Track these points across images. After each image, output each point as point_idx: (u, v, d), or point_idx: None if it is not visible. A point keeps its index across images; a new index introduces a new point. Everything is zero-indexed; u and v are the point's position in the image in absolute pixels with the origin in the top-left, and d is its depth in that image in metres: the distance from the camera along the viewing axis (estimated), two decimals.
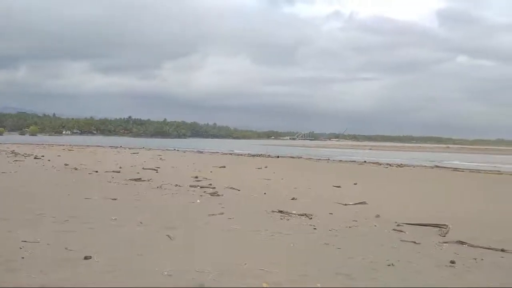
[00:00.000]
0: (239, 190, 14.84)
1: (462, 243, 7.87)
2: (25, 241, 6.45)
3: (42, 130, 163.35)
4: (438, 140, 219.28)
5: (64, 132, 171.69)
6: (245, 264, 5.89)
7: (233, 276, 5.39)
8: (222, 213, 9.95)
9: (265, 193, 14.47)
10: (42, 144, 58.05)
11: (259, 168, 26.84)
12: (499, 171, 32.97)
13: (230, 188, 15.24)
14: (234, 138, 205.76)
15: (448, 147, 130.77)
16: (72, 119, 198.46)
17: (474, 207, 13.42)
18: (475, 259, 6.81)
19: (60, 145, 58.78)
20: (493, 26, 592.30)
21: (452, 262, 6.48)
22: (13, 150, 36.71)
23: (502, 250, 7.39)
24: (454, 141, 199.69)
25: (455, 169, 34.04)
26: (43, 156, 30.41)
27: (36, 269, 5.28)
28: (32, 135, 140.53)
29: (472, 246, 7.69)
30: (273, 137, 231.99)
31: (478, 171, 32.88)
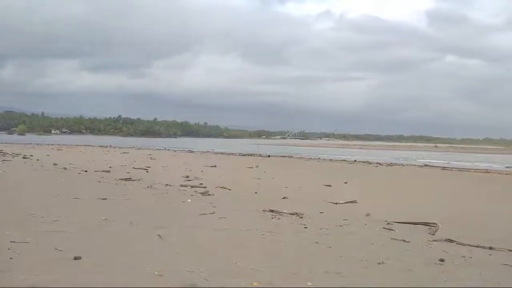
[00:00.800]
0: (230, 190, 14.83)
1: (451, 241, 7.96)
2: (13, 242, 6.37)
3: (31, 130, 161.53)
4: (428, 140, 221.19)
5: (53, 132, 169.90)
6: (237, 263, 5.89)
7: (224, 275, 5.38)
8: (213, 213, 9.93)
9: (256, 193, 14.48)
10: (31, 144, 57.47)
11: (250, 168, 26.86)
12: (487, 170, 33.38)
13: (221, 187, 15.22)
14: (225, 137, 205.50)
15: (436, 146, 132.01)
16: (61, 118, 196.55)
17: (463, 205, 13.58)
18: (464, 257, 6.89)
19: (49, 144, 58.18)
20: (482, 26, 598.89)
21: (442, 260, 6.55)
22: (1, 150, 36.13)
23: (490, 248, 7.49)
24: (443, 141, 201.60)
25: (444, 168, 34.41)
26: (31, 155, 30.06)
27: (25, 269, 5.21)
28: (21, 134, 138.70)
29: (461, 244, 7.77)
30: (264, 136, 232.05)
31: (467, 170, 33.26)
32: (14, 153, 32.35)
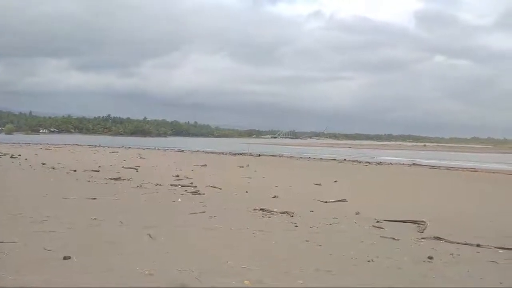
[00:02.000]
0: (220, 189, 14.82)
1: (439, 239, 8.04)
2: (1, 242, 6.30)
3: (18, 129, 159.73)
4: (416, 139, 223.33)
5: (41, 131, 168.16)
6: (227, 262, 5.90)
7: (215, 274, 5.39)
8: (204, 212, 9.92)
9: (246, 192, 14.48)
10: (19, 143, 56.80)
11: (240, 167, 26.84)
12: (474, 168, 33.75)
13: (212, 186, 15.20)
14: (215, 136, 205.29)
15: (425, 146, 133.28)
16: (50, 117, 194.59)
17: (451, 204, 13.73)
18: (452, 254, 6.97)
19: (37, 144, 57.56)
20: (470, 27, 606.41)
21: (430, 257, 6.62)
22: None
23: (478, 245, 7.59)
24: (431, 140, 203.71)
25: (432, 167, 34.74)
26: (19, 155, 29.71)
27: (13, 270, 5.16)
28: (8, 134, 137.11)
29: (449, 241, 7.86)
30: (254, 135, 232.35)
31: (454, 168, 33.63)
32: (1, 153, 31.93)
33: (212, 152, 52.58)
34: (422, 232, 8.70)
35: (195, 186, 14.93)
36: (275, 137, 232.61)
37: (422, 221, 9.51)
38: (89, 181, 15.68)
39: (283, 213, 10.25)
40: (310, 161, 40.48)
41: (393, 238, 8.01)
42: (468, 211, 12.27)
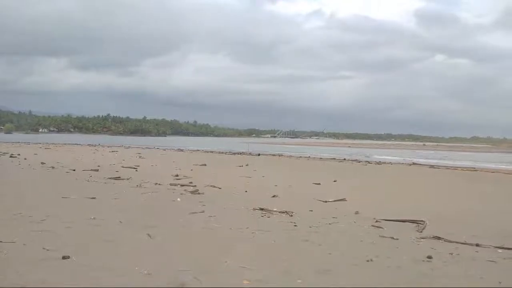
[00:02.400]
0: (220, 188, 14.81)
1: (438, 238, 8.04)
2: (0, 242, 6.30)
3: (18, 128, 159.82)
4: (416, 138, 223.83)
5: (40, 130, 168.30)
6: (226, 262, 5.89)
7: (214, 274, 5.38)
8: (203, 211, 9.92)
9: (246, 191, 14.48)
10: (18, 142, 56.78)
11: (240, 166, 26.83)
12: (474, 168, 33.76)
13: (211, 186, 15.19)
14: (215, 136, 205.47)
15: (424, 145, 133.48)
16: (49, 116, 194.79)
17: (450, 203, 13.72)
18: (451, 253, 6.96)
19: (37, 143, 57.54)
20: (470, 26, 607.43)
21: (429, 257, 6.62)
22: None
23: (477, 245, 7.59)
24: (431, 139, 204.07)
25: (432, 166, 34.73)
26: (19, 154, 29.73)
27: (12, 270, 5.16)
28: (7, 133, 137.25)
29: (448, 241, 7.86)
30: (254, 135, 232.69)
31: (454, 168, 33.63)
32: (1, 152, 31.95)
33: (211, 152, 52.59)
34: (422, 232, 8.70)
35: (195, 186, 14.93)
36: (274, 137, 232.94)
37: (422, 221, 9.51)
38: (88, 181, 15.67)
39: (283, 212, 10.25)
40: (309, 160, 40.46)
41: (393, 238, 8.01)
42: (467, 210, 12.26)
